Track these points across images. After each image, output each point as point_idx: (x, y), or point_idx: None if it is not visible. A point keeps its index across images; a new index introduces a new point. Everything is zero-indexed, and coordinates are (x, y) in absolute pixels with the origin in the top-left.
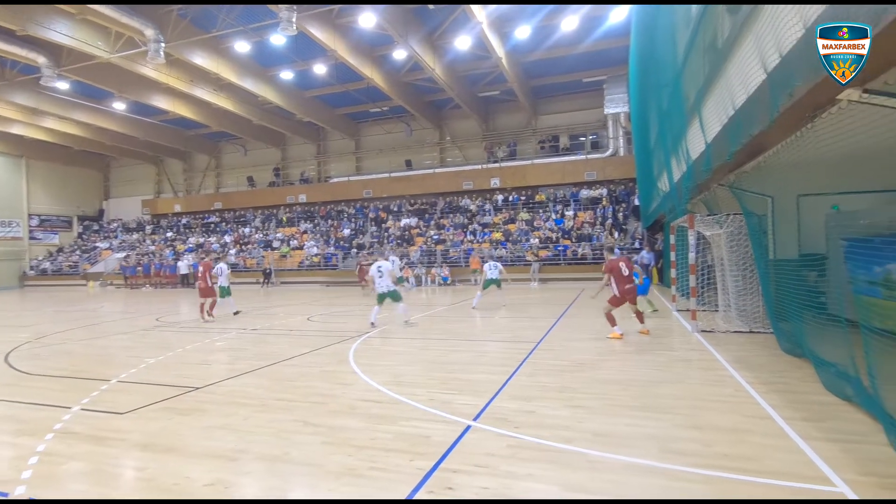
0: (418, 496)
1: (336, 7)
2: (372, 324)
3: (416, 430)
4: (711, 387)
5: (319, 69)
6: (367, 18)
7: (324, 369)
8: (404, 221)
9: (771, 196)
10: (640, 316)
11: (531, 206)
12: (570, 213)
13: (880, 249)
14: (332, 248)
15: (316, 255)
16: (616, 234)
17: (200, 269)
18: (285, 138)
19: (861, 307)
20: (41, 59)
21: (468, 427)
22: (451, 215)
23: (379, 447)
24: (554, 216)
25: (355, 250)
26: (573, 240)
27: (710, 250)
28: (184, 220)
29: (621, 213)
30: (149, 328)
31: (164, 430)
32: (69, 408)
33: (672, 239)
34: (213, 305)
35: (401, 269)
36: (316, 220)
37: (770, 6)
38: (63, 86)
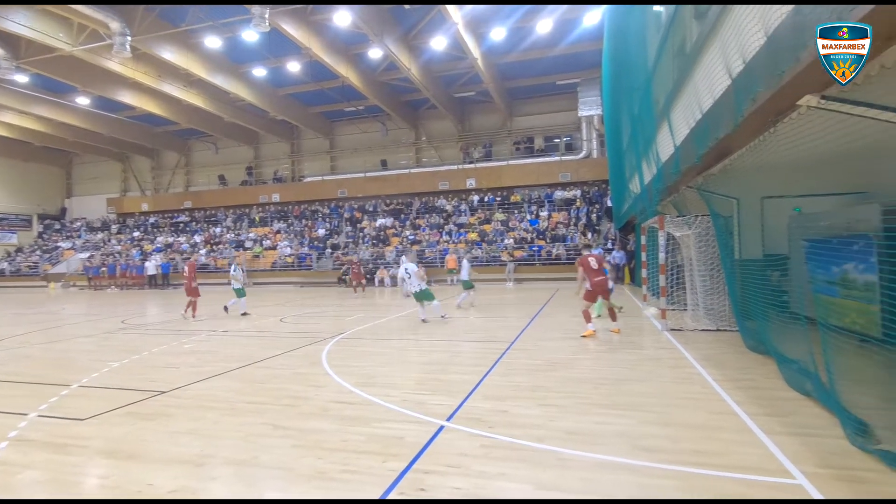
0: (390, 497)
1: (310, 4)
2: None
3: (389, 431)
4: (680, 384)
5: (293, 67)
6: (343, 17)
7: (296, 371)
8: (380, 221)
9: (737, 198)
10: (612, 313)
11: (506, 206)
12: (544, 213)
13: (838, 250)
14: (306, 249)
15: (290, 255)
16: (589, 235)
17: (186, 269)
18: (258, 136)
19: (819, 305)
20: None
21: (441, 427)
22: (427, 215)
23: (351, 449)
24: (529, 217)
25: (330, 250)
26: (548, 240)
27: (679, 251)
28: (152, 220)
29: (595, 214)
30: (113, 331)
31: (127, 436)
32: (25, 414)
33: (643, 239)
34: (193, 305)
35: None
36: (290, 220)
37: (734, 14)
38: (22, 79)
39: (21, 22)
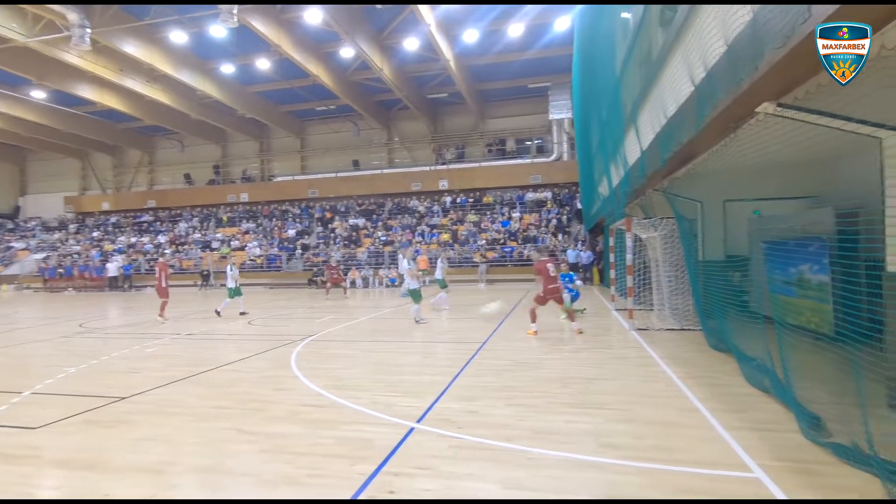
0: (361, 498)
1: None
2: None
3: (358, 434)
4: (645, 383)
5: (263, 64)
6: (313, 14)
7: (264, 374)
8: (351, 222)
9: (700, 201)
10: (571, 315)
11: (479, 207)
12: (516, 215)
13: (794, 252)
14: (275, 249)
15: (259, 256)
16: (560, 237)
17: (157, 269)
18: (226, 134)
19: (776, 305)
20: None
21: (411, 429)
22: (400, 216)
23: (319, 453)
24: (500, 218)
25: (300, 251)
26: (519, 241)
27: (646, 252)
28: (113, 219)
29: (565, 216)
30: (70, 335)
31: (83, 445)
32: None
33: (612, 241)
34: (161, 307)
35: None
36: (259, 220)
37: (697, 22)
38: None
39: None
